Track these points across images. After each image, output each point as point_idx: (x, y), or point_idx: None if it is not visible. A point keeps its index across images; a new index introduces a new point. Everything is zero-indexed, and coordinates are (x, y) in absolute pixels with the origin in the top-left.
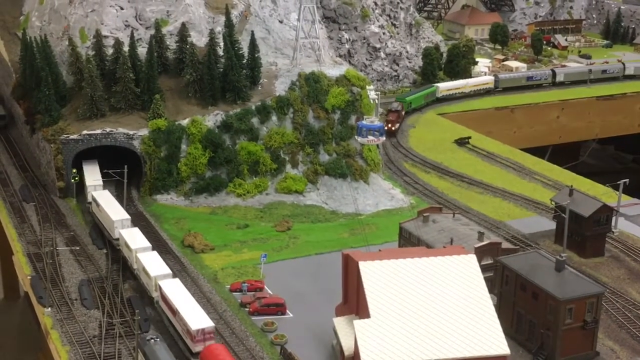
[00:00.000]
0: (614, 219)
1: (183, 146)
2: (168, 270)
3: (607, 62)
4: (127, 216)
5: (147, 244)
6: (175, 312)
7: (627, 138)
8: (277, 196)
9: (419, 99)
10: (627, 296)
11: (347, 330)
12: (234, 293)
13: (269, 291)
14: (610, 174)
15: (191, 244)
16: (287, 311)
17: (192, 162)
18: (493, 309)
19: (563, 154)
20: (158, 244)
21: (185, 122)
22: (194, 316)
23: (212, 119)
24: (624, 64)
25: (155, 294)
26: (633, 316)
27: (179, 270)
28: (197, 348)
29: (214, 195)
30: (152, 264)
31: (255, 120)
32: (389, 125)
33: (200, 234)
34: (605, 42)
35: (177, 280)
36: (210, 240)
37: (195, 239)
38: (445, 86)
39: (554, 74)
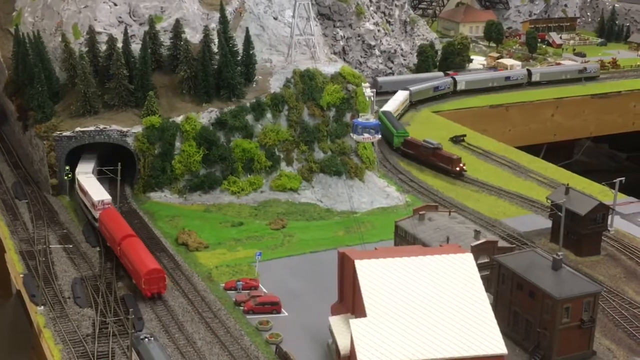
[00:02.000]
0: (610, 217)
1: (177, 143)
2: (103, 191)
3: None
4: (108, 197)
5: (90, 173)
6: (85, 192)
7: (621, 136)
8: (271, 194)
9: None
10: (624, 295)
11: (343, 329)
12: (229, 291)
13: (264, 290)
14: (604, 172)
15: (185, 242)
16: (282, 310)
17: (186, 159)
18: (490, 308)
19: (558, 152)
20: (152, 242)
21: (179, 119)
22: (97, 193)
23: (206, 116)
24: (529, 71)
25: (95, 213)
26: (630, 315)
27: (173, 268)
28: (97, 214)
29: (208, 192)
30: (90, 184)
31: (249, 118)
32: (460, 166)
33: (195, 232)
34: (599, 40)
35: (92, 176)
36: (205, 238)
37: (190, 237)
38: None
39: (455, 83)
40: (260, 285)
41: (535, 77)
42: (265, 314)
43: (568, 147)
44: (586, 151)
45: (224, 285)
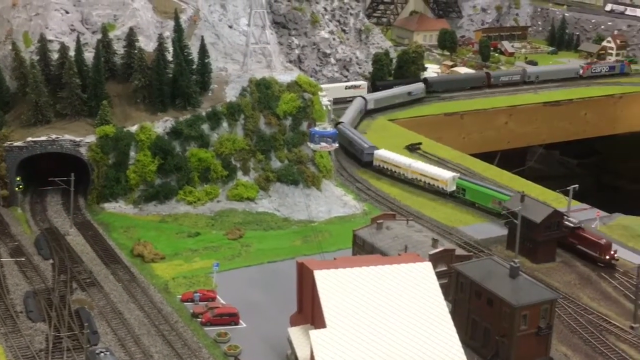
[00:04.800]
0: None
1: (132, 153)
2: None
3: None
4: None
5: None
6: None
7: (572, 143)
8: (228, 203)
9: None
10: (579, 301)
11: (303, 340)
12: (186, 303)
13: (222, 301)
14: (556, 178)
15: (141, 253)
16: (241, 321)
17: (141, 169)
18: (449, 316)
19: (511, 159)
20: (106, 254)
21: (133, 128)
22: None
23: (161, 125)
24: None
25: None
26: (585, 321)
27: (128, 280)
28: None
29: (163, 203)
30: None
31: (205, 127)
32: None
33: (150, 243)
34: (550, 48)
35: None
36: (161, 249)
37: (145, 248)
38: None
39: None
40: (217, 296)
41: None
42: (223, 325)
43: (521, 154)
44: (538, 158)
45: (181, 296)
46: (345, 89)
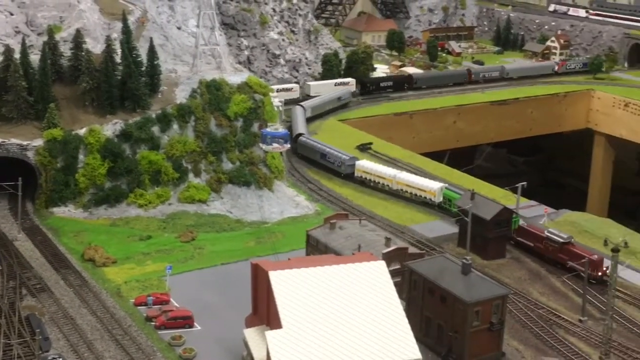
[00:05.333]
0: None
1: (81, 156)
2: None
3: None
4: None
5: None
6: None
7: (519, 141)
8: (180, 206)
9: None
10: (529, 296)
11: (259, 341)
12: (139, 307)
13: (176, 304)
14: (504, 176)
15: (92, 258)
16: (195, 324)
17: (91, 172)
18: (404, 314)
19: (460, 158)
20: (56, 259)
21: (82, 131)
22: None
23: (110, 128)
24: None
25: None
26: (535, 316)
27: (79, 285)
28: None
29: (114, 206)
30: None
31: (155, 129)
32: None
33: (101, 247)
34: (496, 48)
35: None
36: (112, 253)
37: (96, 252)
38: None
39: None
40: (171, 299)
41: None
42: (177, 328)
43: (469, 152)
44: (486, 156)
45: (133, 300)
46: (335, 85)
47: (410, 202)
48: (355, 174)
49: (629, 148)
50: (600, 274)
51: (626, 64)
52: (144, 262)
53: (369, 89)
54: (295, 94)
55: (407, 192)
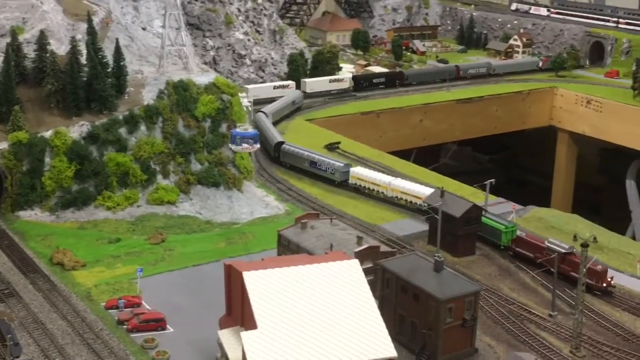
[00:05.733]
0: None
1: (47, 159)
2: None
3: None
4: None
5: None
6: None
7: (483, 139)
8: (148, 208)
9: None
10: (500, 292)
11: (234, 342)
12: (110, 310)
13: (147, 306)
14: (469, 174)
15: (60, 262)
16: (168, 326)
17: (57, 175)
18: (378, 312)
19: (426, 156)
20: (24, 263)
21: (48, 134)
22: None
23: (77, 130)
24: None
25: None
26: (506, 311)
27: (49, 289)
28: None
29: (81, 209)
30: None
31: (123, 131)
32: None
33: (70, 251)
34: (460, 47)
35: None
36: (81, 257)
37: (65, 255)
38: None
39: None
40: (143, 302)
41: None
42: (150, 331)
43: (435, 151)
44: (452, 155)
45: (104, 304)
46: (330, 82)
47: (379, 201)
48: (350, 181)
49: (591, 145)
50: (605, 284)
51: (587, 62)
52: (114, 265)
53: (362, 85)
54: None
55: (401, 199)
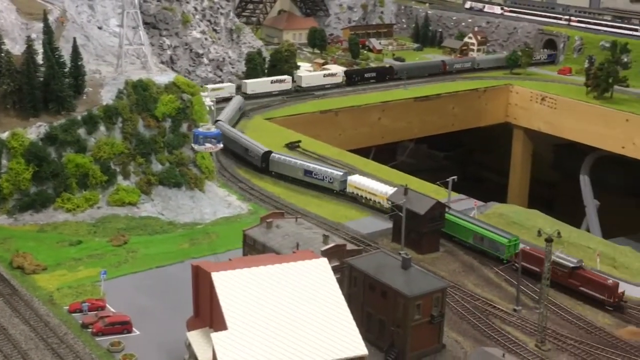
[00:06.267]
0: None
1: (3, 161)
2: None
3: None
4: None
5: None
6: None
7: (439, 137)
8: (109, 209)
9: None
10: (464, 288)
11: (203, 344)
12: (74, 314)
13: (112, 309)
14: (426, 171)
15: (21, 265)
16: (134, 329)
17: (15, 177)
18: (348, 311)
19: (384, 155)
20: None
21: (4, 135)
22: None
23: (34, 131)
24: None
25: None
26: (472, 307)
27: (9, 294)
28: None
29: (40, 211)
30: None
31: (82, 131)
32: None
33: (30, 254)
34: (416, 45)
35: None
36: (42, 260)
37: (25, 259)
38: None
39: None
40: (107, 305)
41: None
42: (116, 334)
43: (392, 149)
44: (409, 152)
45: (68, 307)
46: (324, 76)
47: (343, 199)
48: (347, 190)
49: (545, 141)
50: (617, 299)
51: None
52: (76, 268)
53: (355, 80)
54: (287, 85)
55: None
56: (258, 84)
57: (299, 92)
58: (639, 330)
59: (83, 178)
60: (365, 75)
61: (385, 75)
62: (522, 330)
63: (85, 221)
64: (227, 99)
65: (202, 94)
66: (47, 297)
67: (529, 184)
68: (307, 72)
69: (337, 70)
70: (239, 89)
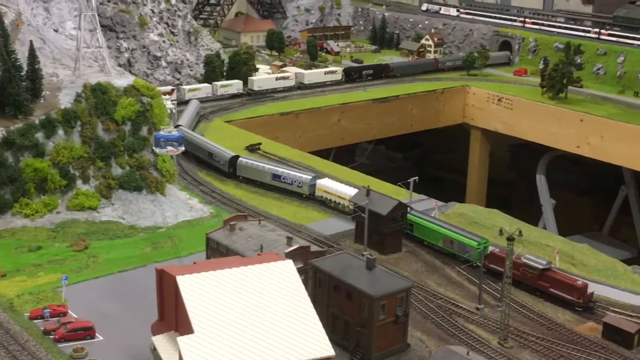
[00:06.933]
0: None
1: None
2: None
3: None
4: None
5: None
6: None
7: (397, 138)
8: (69, 214)
9: None
10: (427, 288)
11: (169, 348)
12: (35, 321)
13: (74, 315)
14: (384, 172)
15: None
16: (97, 334)
17: None
18: (314, 312)
19: (344, 156)
20: None
21: None
22: None
23: None
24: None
25: None
26: (435, 306)
27: None
28: None
29: None
30: None
31: (40, 135)
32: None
33: None
34: (373, 47)
35: None
36: (1, 267)
37: None
38: None
39: None
40: (69, 311)
41: None
42: (78, 340)
43: (351, 150)
44: (368, 154)
45: (29, 314)
46: (325, 74)
47: (304, 201)
48: (317, 194)
49: (502, 141)
50: (586, 300)
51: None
52: (36, 274)
53: (353, 77)
54: (291, 82)
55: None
56: (264, 81)
57: (301, 89)
58: (598, 327)
59: (41, 183)
60: (363, 72)
61: (381, 73)
62: (485, 328)
63: (45, 226)
64: (236, 95)
65: (165, 98)
66: (7, 304)
67: (486, 183)
68: (309, 70)
69: (337, 68)
70: (245, 85)
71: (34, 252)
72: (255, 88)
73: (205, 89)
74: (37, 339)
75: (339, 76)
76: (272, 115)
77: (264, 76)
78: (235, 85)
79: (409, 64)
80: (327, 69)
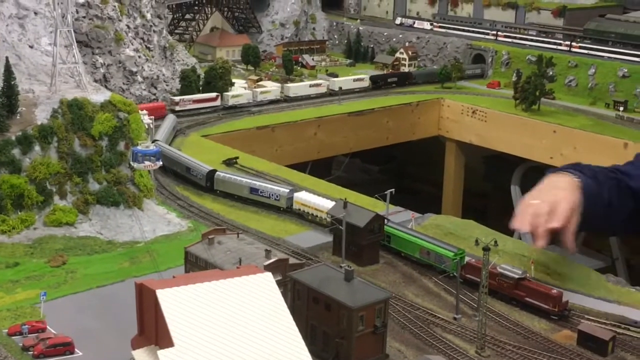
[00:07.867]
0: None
1: None
2: None
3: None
4: None
5: None
6: None
7: (372, 151)
8: (46, 230)
9: None
10: (405, 298)
11: None
12: (14, 337)
13: (53, 331)
14: (361, 185)
15: None
16: (76, 350)
17: None
18: (294, 324)
19: (321, 169)
20: None
21: None
22: None
23: None
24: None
25: None
26: (413, 317)
27: None
28: None
29: None
30: None
31: (16, 152)
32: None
33: None
34: (348, 61)
35: None
36: None
37: None
38: None
39: None
40: (48, 326)
41: None
42: (57, 356)
43: (327, 163)
44: (344, 167)
45: (7, 330)
46: (354, 81)
47: (282, 214)
48: (294, 207)
49: (477, 153)
50: (561, 309)
51: (488, 71)
52: (14, 290)
53: (379, 84)
54: (323, 89)
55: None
56: (299, 88)
57: (332, 95)
58: (573, 335)
59: (18, 199)
60: (388, 80)
61: (404, 80)
62: (462, 337)
63: (22, 242)
64: (273, 102)
65: (142, 113)
66: None
67: (462, 195)
68: (338, 78)
69: (364, 76)
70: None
71: (11, 268)
72: (335, 88)
73: (246, 95)
74: (16, 355)
75: (365, 83)
76: (249, 130)
77: (342, 79)
78: (273, 92)
79: (429, 72)
80: (355, 77)
